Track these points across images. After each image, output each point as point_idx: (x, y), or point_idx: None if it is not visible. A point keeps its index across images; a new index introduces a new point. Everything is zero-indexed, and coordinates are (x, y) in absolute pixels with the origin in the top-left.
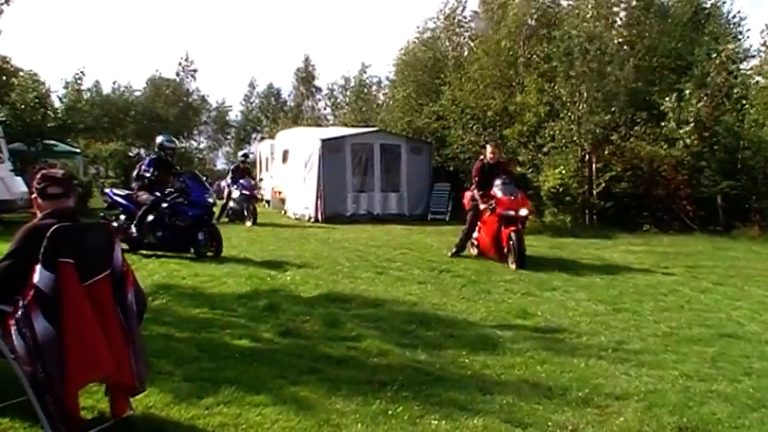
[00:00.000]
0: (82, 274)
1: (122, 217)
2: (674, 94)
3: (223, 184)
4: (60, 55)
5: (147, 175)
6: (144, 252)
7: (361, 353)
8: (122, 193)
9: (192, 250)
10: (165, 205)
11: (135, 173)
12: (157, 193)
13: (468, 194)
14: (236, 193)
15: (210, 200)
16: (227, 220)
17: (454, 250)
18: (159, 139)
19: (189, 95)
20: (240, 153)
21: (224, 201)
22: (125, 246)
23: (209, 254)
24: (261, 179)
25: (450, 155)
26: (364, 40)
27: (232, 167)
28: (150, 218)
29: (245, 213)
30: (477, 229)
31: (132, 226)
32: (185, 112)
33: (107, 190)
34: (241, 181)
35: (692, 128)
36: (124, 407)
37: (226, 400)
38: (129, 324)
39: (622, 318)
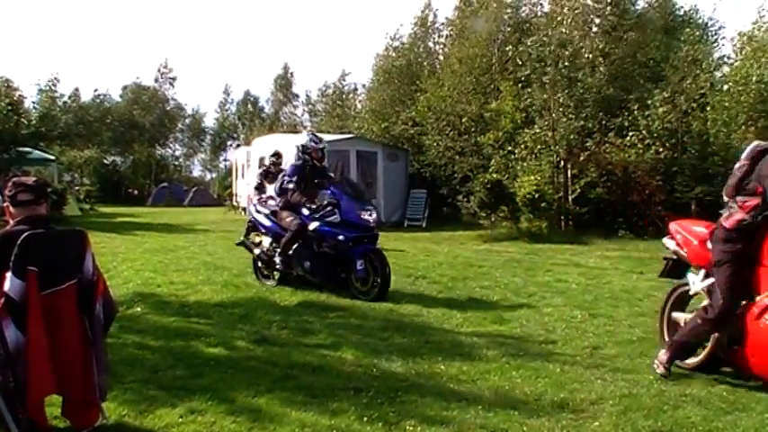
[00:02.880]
0: (47, 281)
1: (266, 242)
2: (645, 101)
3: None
4: (36, 62)
5: (291, 187)
6: (122, 257)
7: (337, 360)
8: (266, 211)
9: (351, 285)
10: (312, 227)
11: (277, 185)
12: (305, 211)
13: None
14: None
15: (370, 217)
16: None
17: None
18: (302, 138)
19: (166, 102)
20: (271, 151)
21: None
22: (270, 281)
23: (366, 291)
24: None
25: (426, 161)
26: (342, 47)
27: (261, 171)
28: (295, 245)
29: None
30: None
31: (277, 255)
32: (162, 119)
33: (250, 206)
34: (270, 191)
35: (661, 134)
36: (95, 416)
37: (200, 408)
38: (93, 334)
39: (598, 323)
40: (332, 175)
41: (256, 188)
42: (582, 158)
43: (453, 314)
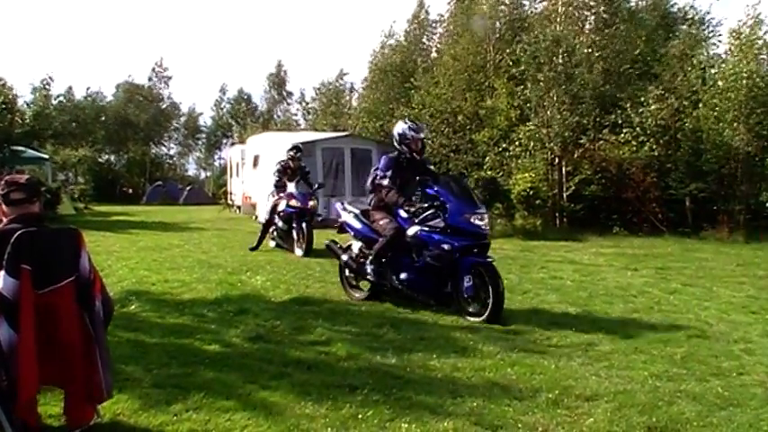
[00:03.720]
0: (43, 280)
1: (355, 247)
2: (639, 98)
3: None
4: (29, 61)
5: (385, 183)
6: (116, 255)
7: (332, 357)
8: (356, 211)
9: (457, 303)
10: (411, 232)
11: (369, 180)
12: (403, 213)
13: None
14: (281, 205)
15: (481, 222)
16: (272, 245)
17: None
18: (399, 127)
19: (161, 101)
20: (288, 146)
21: (266, 216)
22: (358, 293)
23: (475, 312)
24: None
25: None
26: (337, 45)
27: (279, 167)
28: (390, 253)
29: (295, 235)
30: None
31: (368, 263)
32: (157, 117)
33: (337, 204)
34: (290, 188)
35: (654, 131)
36: (90, 414)
37: (195, 406)
38: (95, 331)
39: (593, 319)
40: (432, 168)
41: (276, 186)
42: (576, 155)
43: (447, 311)
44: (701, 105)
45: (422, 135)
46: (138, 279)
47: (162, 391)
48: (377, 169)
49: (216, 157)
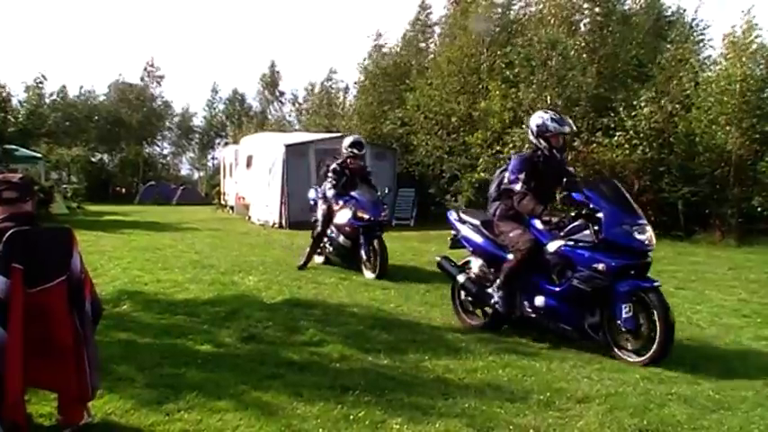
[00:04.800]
0: (34, 279)
1: (475, 265)
2: (632, 102)
3: (312, 195)
4: (22, 59)
5: (518, 188)
6: (109, 255)
7: (324, 358)
8: (475, 222)
9: (611, 336)
10: (552, 248)
11: (493, 186)
12: (539, 224)
13: None
14: (343, 216)
15: (644, 236)
16: (320, 260)
17: None
18: (537, 118)
19: (153, 101)
20: (347, 141)
21: (317, 228)
22: (475, 320)
23: (635, 350)
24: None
25: (414, 160)
26: (330, 45)
27: (335, 167)
28: (534, 278)
29: (364, 254)
30: None
31: (496, 289)
32: (149, 117)
33: (450, 213)
34: (354, 194)
35: (647, 134)
36: (78, 413)
37: (187, 406)
38: (84, 331)
39: None
40: (571, 170)
41: (334, 187)
42: (569, 158)
43: (440, 312)
44: (693, 109)
45: (567, 129)
46: (131, 279)
47: (154, 391)
48: (503, 171)
49: (209, 157)
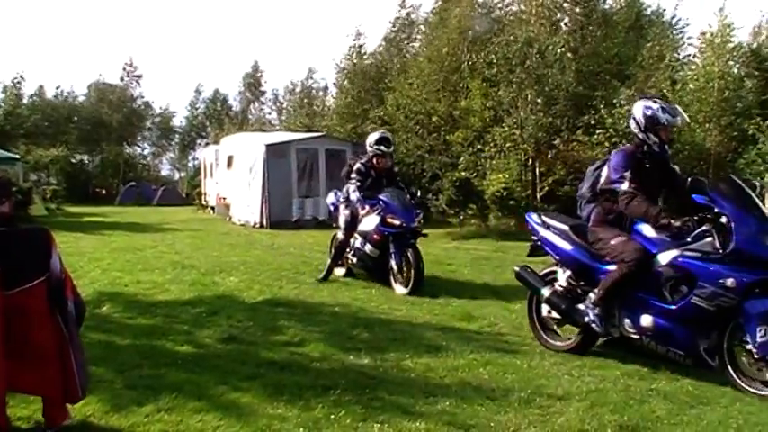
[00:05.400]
0: (13, 280)
1: (562, 276)
2: (612, 100)
3: (331, 199)
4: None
5: (625, 187)
6: (89, 256)
7: (304, 357)
8: (563, 227)
9: (736, 366)
10: (665, 259)
11: (586, 186)
12: (649, 231)
13: None
14: (370, 222)
15: None
16: (341, 272)
17: None
18: (644, 108)
19: (133, 101)
20: (373, 138)
21: (338, 236)
22: (558, 341)
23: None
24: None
25: (395, 160)
26: (312, 44)
27: (359, 167)
28: (640, 294)
29: (394, 265)
30: None
31: (591, 305)
32: (129, 117)
33: (532, 215)
34: (383, 197)
35: (627, 132)
36: (61, 415)
37: (166, 407)
38: (69, 331)
39: None
40: (676, 168)
41: (359, 189)
42: (550, 156)
43: (421, 311)
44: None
45: (679, 121)
46: (111, 280)
47: (133, 392)
48: (598, 169)
49: (190, 157)
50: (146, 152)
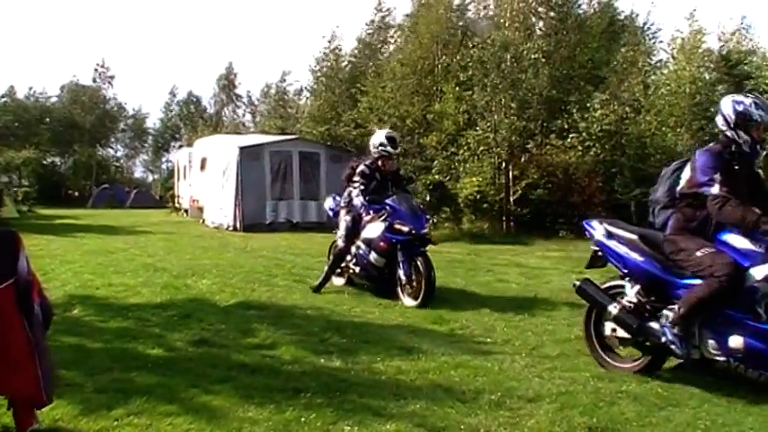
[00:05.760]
0: None
1: (631, 291)
2: (585, 104)
3: (330, 204)
4: None
5: (716, 191)
6: (60, 259)
7: (276, 360)
8: (630, 235)
9: None
10: (761, 274)
11: (661, 189)
12: (740, 243)
13: None
14: (375, 229)
15: None
16: (340, 282)
17: None
18: (734, 104)
19: (106, 102)
20: (378, 138)
21: (340, 244)
22: (621, 362)
23: None
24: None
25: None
26: (287, 47)
27: (363, 169)
28: (728, 312)
29: (403, 276)
30: None
31: (669, 324)
32: (102, 119)
33: (593, 223)
34: (390, 202)
35: (600, 136)
36: (29, 420)
37: (136, 411)
38: (35, 334)
39: (538, 322)
40: (759, 172)
41: (363, 193)
42: (523, 160)
43: (394, 314)
44: (644, 111)
45: None
46: (82, 283)
47: (103, 396)
48: (677, 171)
49: (163, 159)
50: (119, 154)
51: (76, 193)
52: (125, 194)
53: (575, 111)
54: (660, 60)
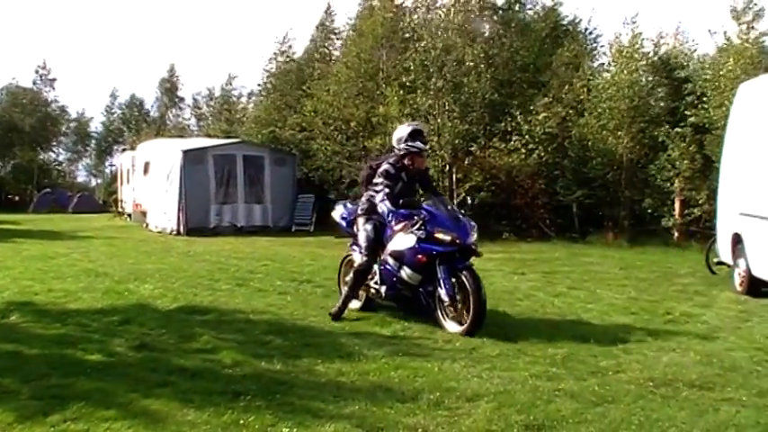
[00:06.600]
0: None
1: None
2: (528, 107)
3: (341, 212)
4: None
5: None
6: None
7: (217, 364)
8: None
9: None
10: None
11: None
12: None
13: None
14: (406, 240)
15: None
16: (357, 305)
17: None
18: None
19: (47, 105)
20: (403, 132)
21: (359, 259)
22: None
23: None
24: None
25: (314, 166)
26: (232, 50)
27: (384, 167)
28: None
29: (445, 296)
30: None
31: None
32: (43, 122)
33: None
34: (427, 207)
35: (542, 139)
36: None
37: (74, 417)
38: None
39: None
40: None
41: (389, 197)
42: (467, 163)
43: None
44: (586, 114)
45: None
46: (21, 289)
47: (40, 403)
48: None
49: (107, 163)
50: (61, 158)
51: (17, 198)
52: (67, 199)
53: (518, 114)
54: (602, 64)
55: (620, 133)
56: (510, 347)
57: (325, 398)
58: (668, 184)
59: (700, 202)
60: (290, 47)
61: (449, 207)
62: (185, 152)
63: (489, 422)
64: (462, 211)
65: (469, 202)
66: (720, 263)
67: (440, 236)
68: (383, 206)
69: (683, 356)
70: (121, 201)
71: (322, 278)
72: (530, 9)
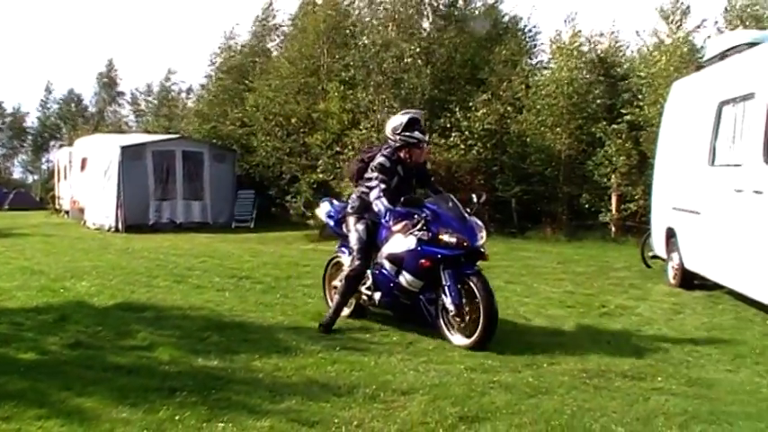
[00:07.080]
0: None
1: None
2: (467, 103)
3: (327, 210)
4: None
5: None
6: None
7: (153, 361)
8: None
9: None
10: None
11: None
12: None
13: None
14: (405, 242)
15: None
16: (347, 312)
17: None
18: None
19: None
20: (399, 120)
21: (349, 263)
22: None
23: None
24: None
25: (255, 162)
26: (172, 45)
27: (379, 159)
28: None
29: (450, 305)
30: None
31: None
32: None
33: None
34: (431, 205)
35: (482, 135)
36: None
37: (5, 416)
38: None
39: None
40: None
41: (385, 193)
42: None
43: (274, 313)
44: (525, 111)
45: None
46: None
47: None
48: None
49: (44, 159)
50: None
51: None
52: (3, 196)
53: (457, 110)
54: (541, 61)
55: (558, 130)
56: (446, 341)
57: (261, 393)
58: (605, 180)
59: (636, 197)
60: (235, 42)
61: (455, 206)
62: (123, 148)
63: (424, 414)
64: (468, 210)
65: (475, 200)
66: (655, 257)
67: (445, 238)
68: (379, 204)
69: (617, 348)
70: (59, 197)
71: (261, 274)
72: (470, 6)
